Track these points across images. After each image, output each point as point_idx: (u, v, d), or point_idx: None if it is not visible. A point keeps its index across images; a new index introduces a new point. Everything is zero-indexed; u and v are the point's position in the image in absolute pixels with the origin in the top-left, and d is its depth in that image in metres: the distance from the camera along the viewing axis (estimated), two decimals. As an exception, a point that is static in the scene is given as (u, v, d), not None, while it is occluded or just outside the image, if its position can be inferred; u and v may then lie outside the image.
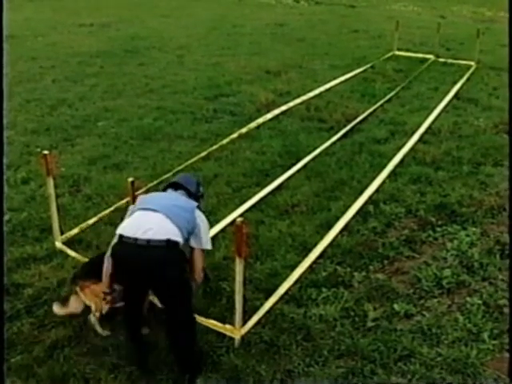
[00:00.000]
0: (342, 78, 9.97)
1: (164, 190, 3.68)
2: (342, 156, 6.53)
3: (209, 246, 3.47)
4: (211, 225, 4.91)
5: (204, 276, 3.79)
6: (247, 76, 10.15)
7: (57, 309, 3.75)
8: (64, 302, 3.76)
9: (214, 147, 6.70)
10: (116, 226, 4.78)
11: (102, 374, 3.38)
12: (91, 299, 3.66)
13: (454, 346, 3.59)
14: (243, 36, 14.07)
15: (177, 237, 3.18)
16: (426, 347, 3.57)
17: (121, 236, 3.20)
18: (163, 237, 3.13)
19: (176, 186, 3.60)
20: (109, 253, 3.36)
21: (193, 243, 3.38)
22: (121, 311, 3.61)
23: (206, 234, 3.45)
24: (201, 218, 3.42)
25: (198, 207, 3.47)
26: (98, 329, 3.68)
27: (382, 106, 8.46)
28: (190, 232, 3.32)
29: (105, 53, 11.85)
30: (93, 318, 3.68)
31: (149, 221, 3.21)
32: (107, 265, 3.40)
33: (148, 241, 3.11)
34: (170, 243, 3.14)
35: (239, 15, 17.48)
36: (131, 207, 3.53)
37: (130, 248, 3.16)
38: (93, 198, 5.50)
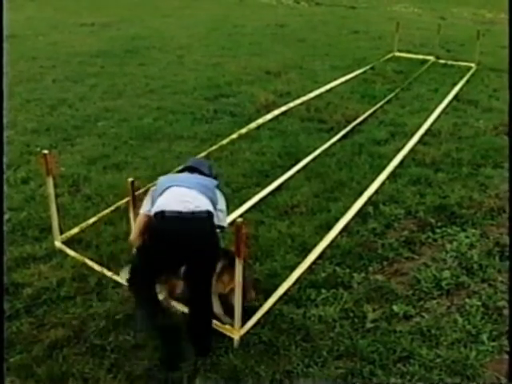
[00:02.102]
0: (342, 79, 9.98)
1: (180, 172, 3.82)
2: (342, 157, 6.53)
3: (225, 224, 3.63)
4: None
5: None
6: (247, 76, 10.15)
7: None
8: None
9: (214, 147, 6.70)
10: (116, 225, 4.89)
11: (101, 374, 3.37)
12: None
13: (453, 347, 3.59)
14: (243, 36, 14.08)
15: (212, 209, 3.36)
16: (425, 348, 3.58)
17: (163, 212, 3.27)
18: (204, 208, 3.29)
19: (191, 170, 3.72)
20: (144, 210, 3.49)
21: (214, 220, 3.48)
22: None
23: (225, 212, 3.62)
24: (222, 198, 3.61)
25: (217, 186, 3.62)
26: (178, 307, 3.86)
27: (381, 107, 8.46)
28: (213, 209, 3.45)
29: (105, 53, 11.85)
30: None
31: (187, 195, 3.35)
32: (140, 220, 3.52)
33: (192, 212, 3.24)
34: (210, 214, 3.31)
35: (240, 16, 17.49)
36: (153, 188, 3.64)
37: (175, 221, 3.25)
38: (92, 198, 5.49)
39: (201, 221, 3.27)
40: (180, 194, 3.36)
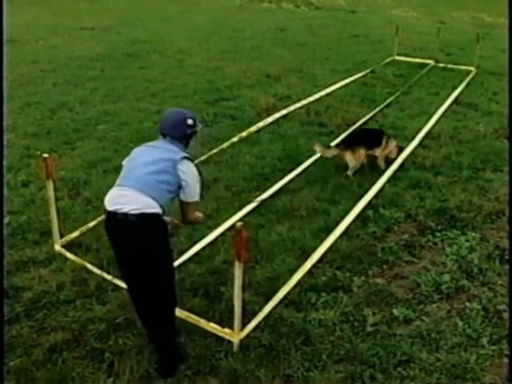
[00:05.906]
0: (342, 83, 9.99)
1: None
2: (342, 160, 6.52)
3: (195, 199, 3.41)
4: (210, 229, 4.94)
5: None
6: (247, 80, 10.17)
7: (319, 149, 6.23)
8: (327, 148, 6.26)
9: (214, 151, 6.70)
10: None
11: (101, 378, 3.37)
12: (355, 160, 6.05)
13: (454, 351, 3.58)
14: (244, 40, 14.10)
15: (153, 208, 3.18)
16: (426, 352, 3.57)
17: (106, 211, 3.31)
18: (137, 211, 3.15)
19: (164, 134, 3.46)
20: None
21: (181, 196, 3.37)
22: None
23: (193, 187, 3.36)
24: (187, 173, 3.30)
25: (186, 158, 3.33)
26: (350, 173, 6.06)
27: (381, 110, 8.48)
28: (174, 191, 3.29)
29: (105, 56, 11.87)
30: (350, 172, 6.03)
31: (124, 195, 3.24)
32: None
33: (124, 214, 3.16)
34: (145, 217, 3.15)
35: (240, 19, 17.52)
36: (126, 159, 3.53)
37: (113, 221, 3.25)
38: (92, 202, 5.49)
39: (131, 224, 3.15)
40: (119, 195, 3.29)
